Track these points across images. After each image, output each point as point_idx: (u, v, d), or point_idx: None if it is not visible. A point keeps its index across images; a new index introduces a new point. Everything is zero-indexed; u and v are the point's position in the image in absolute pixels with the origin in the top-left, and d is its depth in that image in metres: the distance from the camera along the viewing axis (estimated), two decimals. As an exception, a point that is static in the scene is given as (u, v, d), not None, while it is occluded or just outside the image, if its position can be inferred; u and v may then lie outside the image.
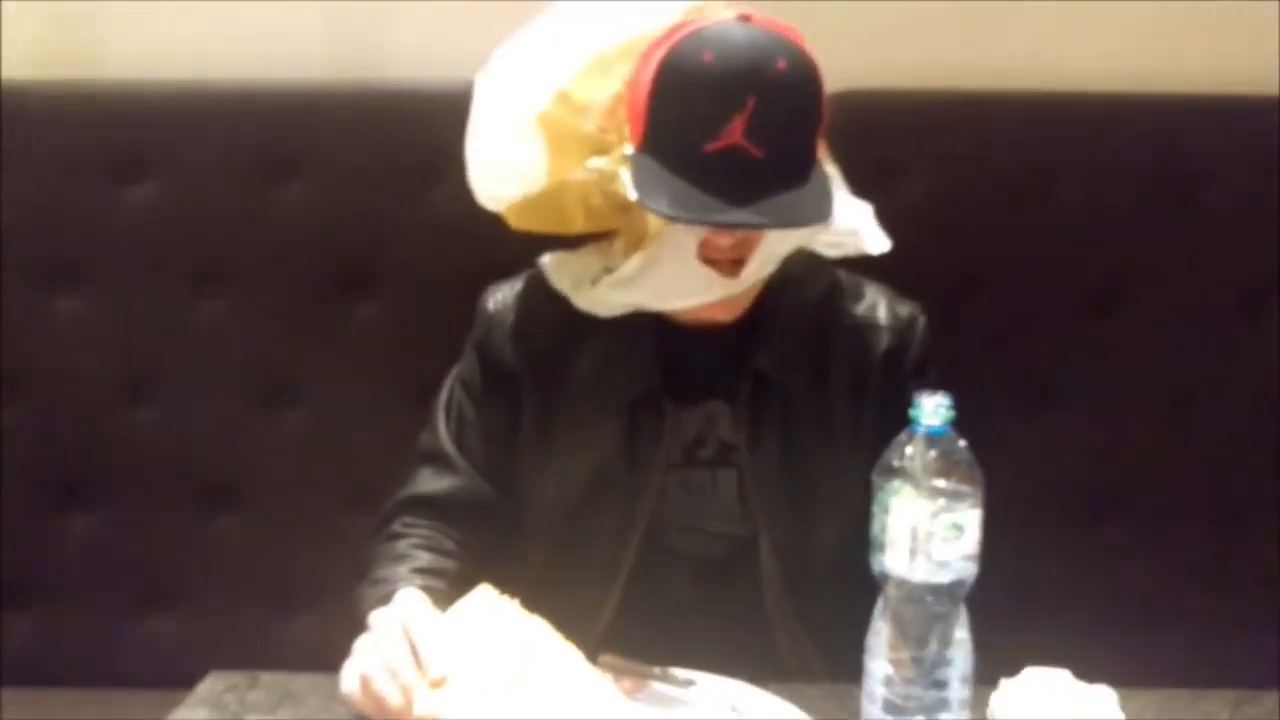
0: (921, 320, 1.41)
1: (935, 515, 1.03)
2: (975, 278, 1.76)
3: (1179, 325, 1.77)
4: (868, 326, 1.39)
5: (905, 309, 1.41)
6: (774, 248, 1.27)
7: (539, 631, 1.11)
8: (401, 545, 1.34)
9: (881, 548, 1.07)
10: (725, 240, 1.23)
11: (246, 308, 1.73)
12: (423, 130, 1.60)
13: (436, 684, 1.05)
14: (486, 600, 1.13)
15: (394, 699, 1.06)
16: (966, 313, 1.73)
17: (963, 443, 1.06)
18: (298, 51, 1.75)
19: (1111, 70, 1.75)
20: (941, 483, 1.03)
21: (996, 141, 1.74)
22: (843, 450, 1.34)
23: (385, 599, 1.16)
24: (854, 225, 1.31)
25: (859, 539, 1.07)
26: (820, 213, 1.21)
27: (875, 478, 1.06)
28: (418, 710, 1.05)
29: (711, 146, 1.17)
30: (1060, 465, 1.77)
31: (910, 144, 1.74)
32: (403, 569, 1.29)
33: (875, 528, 1.07)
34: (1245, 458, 1.77)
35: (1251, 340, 1.76)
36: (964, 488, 1.05)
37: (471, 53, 1.34)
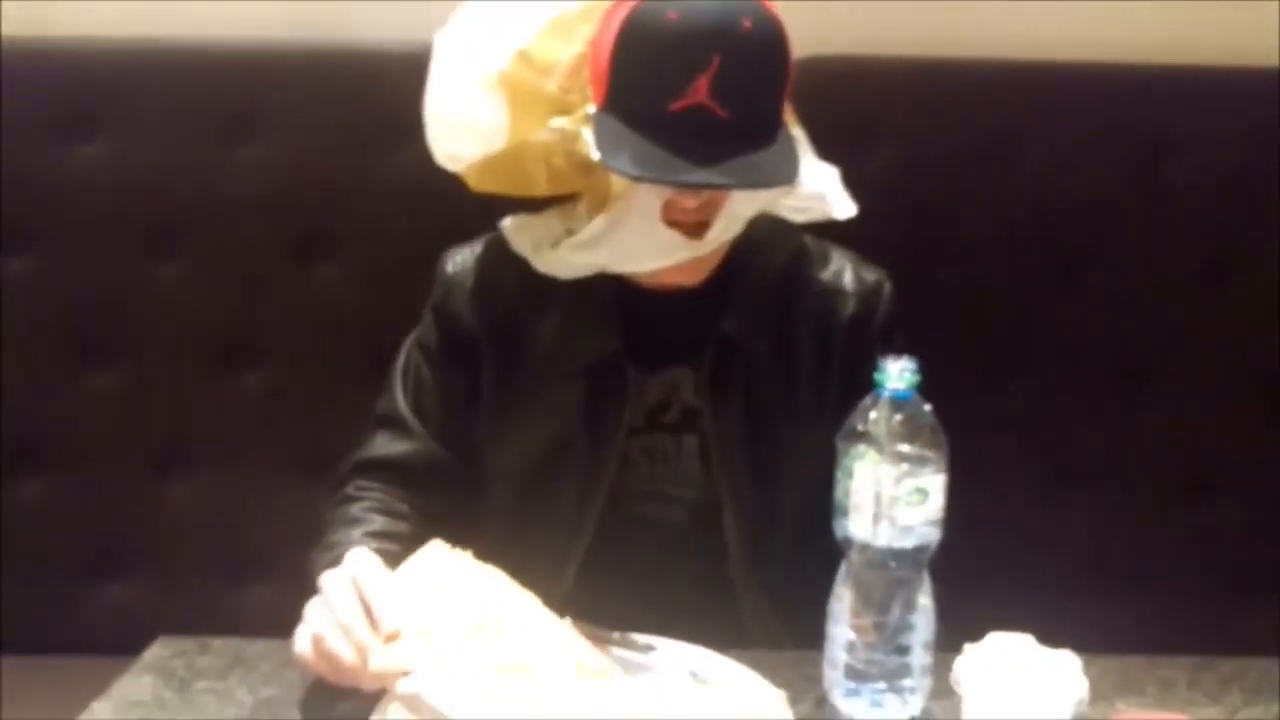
0: (888, 286, 1.40)
1: (899, 480, 1.03)
2: (941, 245, 1.75)
3: (1145, 293, 1.77)
4: (833, 292, 1.37)
5: (871, 275, 1.40)
6: (739, 209, 1.25)
7: (495, 581, 1.08)
8: (355, 509, 1.32)
9: (845, 512, 1.06)
10: (690, 201, 1.22)
11: (202, 270, 1.70)
12: (383, 91, 1.58)
13: (391, 638, 1.01)
14: (439, 554, 1.10)
15: (348, 656, 1.03)
16: (933, 280, 1.72)
17: (928, 407, 1.05)
18: (257, 10, 1.72)
19: (1078, 38, 1.74)
20: (906, 447, 1.02)
21: (964, 108, 1.73)
22: (807, 416, 1.33)
23: (337, 562, 1.13)
24: (820, 189, 1.29)
25: (823, 506, 1.07)
26: (786, 174, 1.19)
27: (839, 442, 1.05)
28: (373, 666, 1.01)
29: (676, 105, 1.15)
30: (1023, 434, 1.77)
31: (877, 111, 1.73)
32: (355, 532, 1.27)
33: (839, 492, 1.06)
34: (1204, 427, 1.78)
35: (1214, 310, 1.76)
36: (928, 453, 1.04)
37: (432, 11, 1.31)
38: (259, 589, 1.75)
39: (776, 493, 1.33)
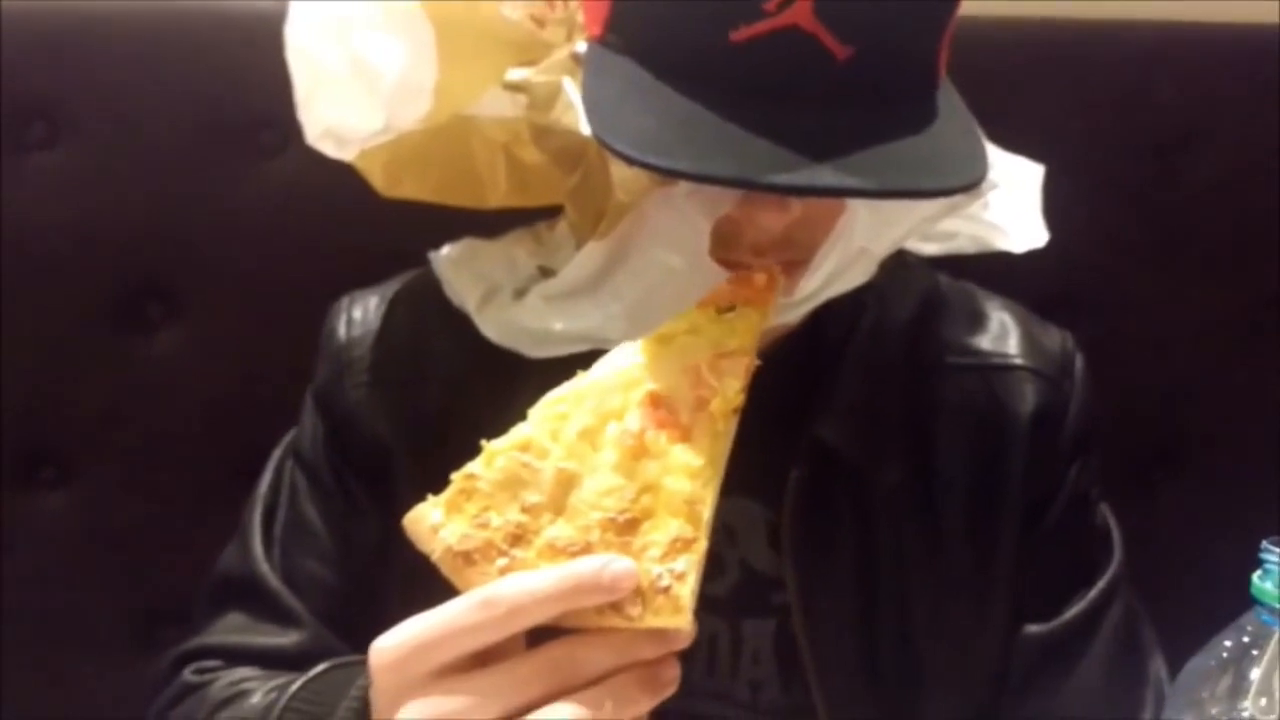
0: (1079, 358, 0.93)
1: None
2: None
3: None
4: (999, 370, 0.91)
5: (1052, 338, 0.94)
6: (862, 238, 0.77)
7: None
8: (214, 689, 0.90)
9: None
10: (771, 219, 0.72)
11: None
12: (235, 68, 1.18)
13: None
14: None
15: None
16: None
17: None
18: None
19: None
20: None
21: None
22: (958, 580, 0.89)
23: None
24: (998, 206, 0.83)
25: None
26: (968, 170, 0.70)
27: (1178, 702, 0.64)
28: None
29: (748, 30, 0.67)
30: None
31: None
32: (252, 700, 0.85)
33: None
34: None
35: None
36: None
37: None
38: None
39: (905, 703, 0.90)
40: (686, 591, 0.60)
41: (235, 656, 0.92)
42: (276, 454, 0.97)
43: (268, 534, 0.93)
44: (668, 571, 0.60)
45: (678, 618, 0.59)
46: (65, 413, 1.22)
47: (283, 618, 0.92)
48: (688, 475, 0.62)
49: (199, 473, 1.22)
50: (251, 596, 0.93)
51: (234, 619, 0.93)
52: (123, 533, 1.25)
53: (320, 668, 0.79)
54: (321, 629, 0.91)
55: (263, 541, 0.93)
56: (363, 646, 0.86)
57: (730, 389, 0.63)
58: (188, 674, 0.93)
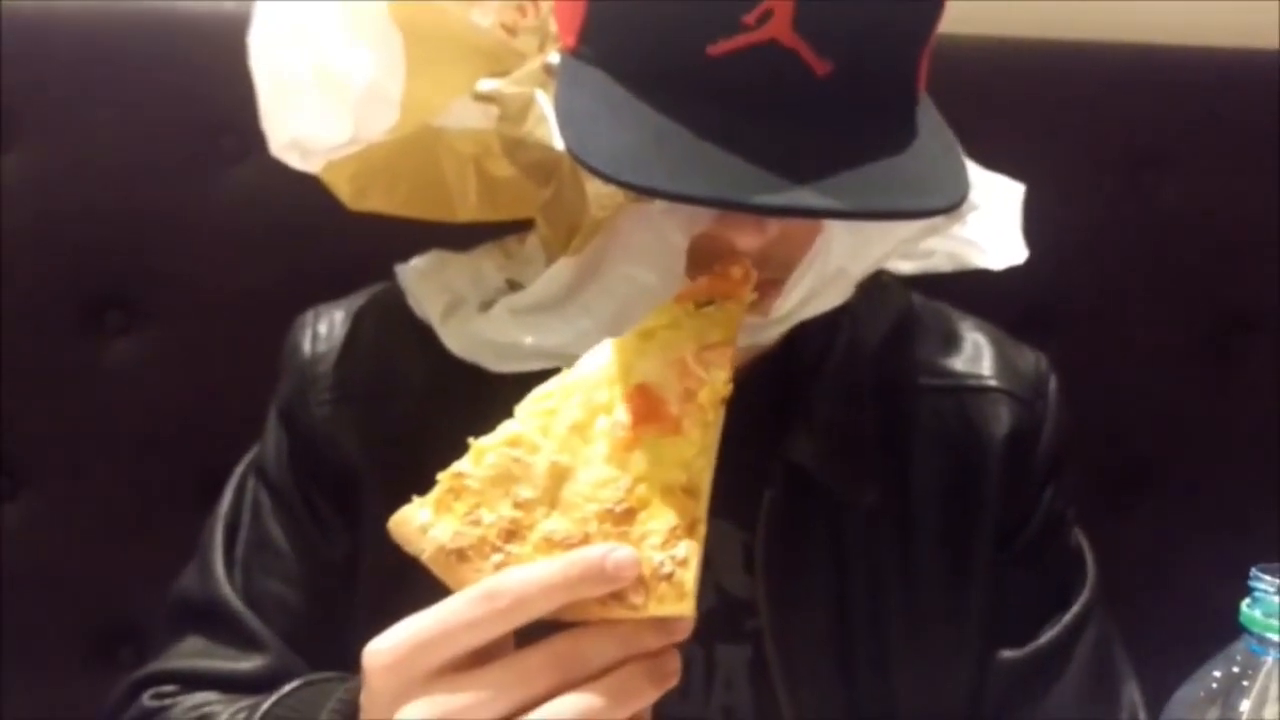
0: (1053, 378, 0.91)
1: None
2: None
3: None
4: (972, 392, 0.88)
5: (1026, 359, 0.91)
6: (840, 260, 0.75)
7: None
8: (176, 714, 0.86)
9: None
10: (748, 238, 0.69)
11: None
12: (196, 72, 1.12)
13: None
14: None
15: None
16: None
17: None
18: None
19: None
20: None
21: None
22: (931, 603, 0.86)
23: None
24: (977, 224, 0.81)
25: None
26: (949, 189, 0.67)
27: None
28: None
29: (726, 44, 0.64)
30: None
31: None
32: None
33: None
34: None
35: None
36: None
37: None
38: None
39: None
40: (690, 576, 0.58)
41: (194, 681, 0.87)
42: (238, 471, 0.93)
43: (229, 554, 0.89)
44: (669, 558, 0.59)
45: (681, 604, 0.58)
46: (18, 422, 1.16)
47: (245, 641, 0.87)
48: (682, 464, 0.61)
49: (157, 487, 1.17)
50: (212, 619, 0.88)
51: (193, 643, 0.88)
52: (76, 547, 1.19)
53: (293, 684, 0.76)
54: (286, 652, 0.87)
55: (224, 562, 0.88)
56: (328, 670, 0.84)
57: (718, 379, 0.62)
58: (146, 699, 0.89)
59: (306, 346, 0.89)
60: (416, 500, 0.60)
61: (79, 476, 1.17)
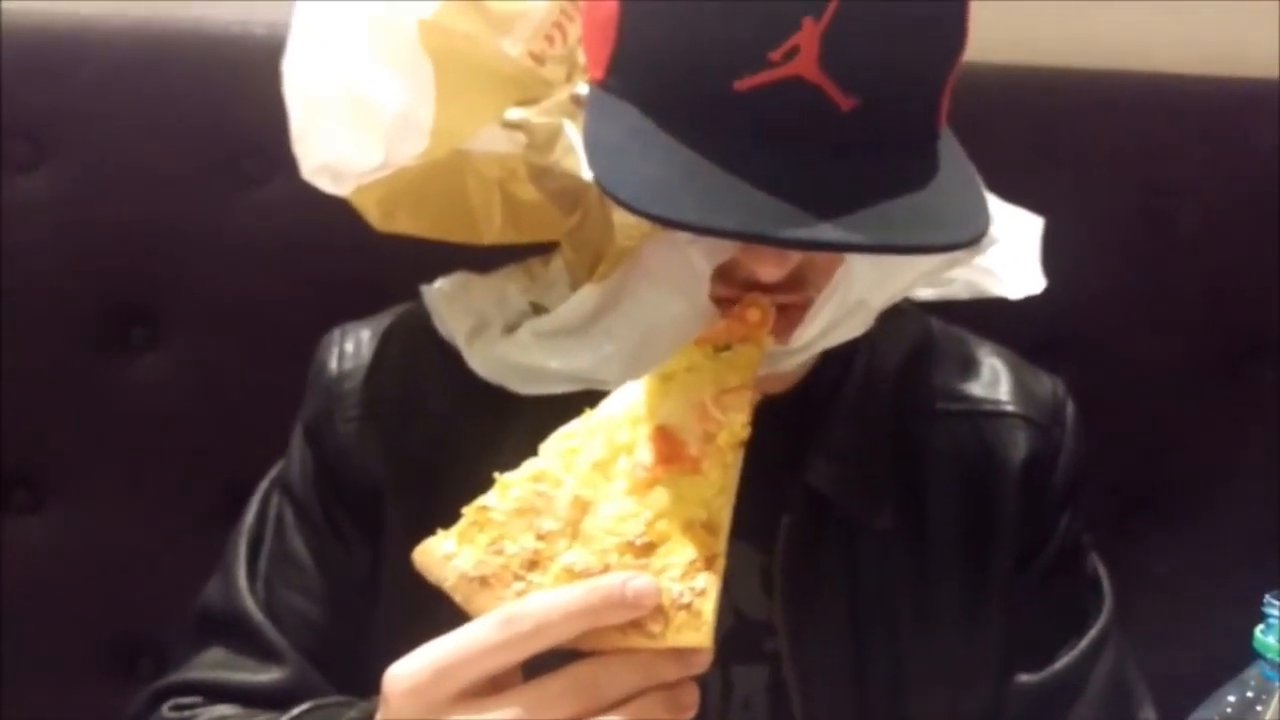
0: (1069, 405, 0.91)
1: None
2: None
3: None
4: (989, 417, 0.88)
5: (1044, 384, 0.92)
6: (861, 291, 0.76)
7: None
8: None
9: None
10: (771, 270, 0.71)
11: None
12: (222, 94, 1.13)
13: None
14: None
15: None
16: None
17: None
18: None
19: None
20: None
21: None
22: (952, 631, 0.87)
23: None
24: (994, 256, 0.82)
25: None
26: (970, 225, 0.68)
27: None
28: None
29: (751, 79, 0.65)
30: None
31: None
32: None
33: None
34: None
35: None
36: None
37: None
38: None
39: None
40: (709, 607, 0.59)
41: (215, 693, 0.88)
42: (263, 486, 0.93)
43: (253, 567, 0.89)
44: (688, 589, 0.59)
45: (699, 634, 0.59)
46: (44, 437, 1.16)
47: (265, 654, 0.87)
48: (702, 502, 0.62)
49: (180, 501, 1.17)
50: (234, 631, 0.88)
51: (215, 654, 0.89)
52: (100, 561, 1.19)
53: (303, 707, 0.76)
54: (305, 666, 0.87)
55: (247, 575, 0.89)
56: (347, 685, 0.85)
57: (736, 422, 0.63)
58: (165, 710, 0.89)
59: (333, 364, 0.90)
60: (441, 532, 0.61)
61: (103, 490, 1.17)
